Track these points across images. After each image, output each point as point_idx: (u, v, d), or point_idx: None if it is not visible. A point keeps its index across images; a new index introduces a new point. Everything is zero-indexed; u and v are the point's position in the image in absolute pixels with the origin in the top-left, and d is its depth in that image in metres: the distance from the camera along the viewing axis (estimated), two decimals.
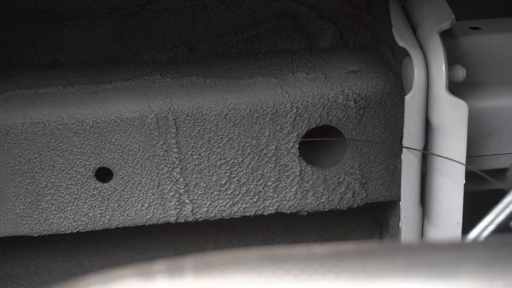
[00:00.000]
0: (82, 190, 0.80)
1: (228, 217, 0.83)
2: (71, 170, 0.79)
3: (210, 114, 0.78)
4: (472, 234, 0.68)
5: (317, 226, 0.95)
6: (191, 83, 0.80)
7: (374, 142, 0.80)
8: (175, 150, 0.79)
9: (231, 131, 0.79)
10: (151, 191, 0.81)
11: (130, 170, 0.79)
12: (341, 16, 0.86)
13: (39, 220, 0.81)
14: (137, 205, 0.81)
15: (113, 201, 0.81)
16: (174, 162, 0.79)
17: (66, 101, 0.78)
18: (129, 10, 0.85)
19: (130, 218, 0.82)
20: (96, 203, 0.81)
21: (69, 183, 0.80)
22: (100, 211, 0.81)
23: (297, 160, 0.80)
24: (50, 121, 0.77)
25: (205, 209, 0.82)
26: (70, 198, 0.80)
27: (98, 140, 0.78)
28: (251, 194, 0.82)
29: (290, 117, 0.78)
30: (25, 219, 0.81)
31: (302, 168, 0.81)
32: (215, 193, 0.81)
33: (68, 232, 0.82)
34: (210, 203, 0.82)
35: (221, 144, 0.79)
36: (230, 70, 0.82)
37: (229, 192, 0.81)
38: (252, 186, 0.81)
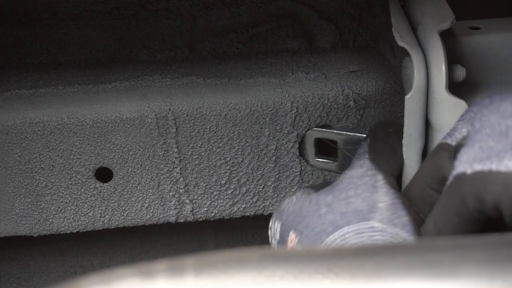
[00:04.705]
0: (82, 190, 0.80)
1: (228, 217, 0.83)
2: (71, 170, 0.79)
3: (210, 114, 0.78)
4: None
5: None
6: (191, 83, 0.80)
7: None
8: (175, 150, 0.79)
9: (231, 131, 0.79)
10: (151, 191, 0.81)
11: (130, 170, 0.79)
12: (341, 16, 0.86)
13: (39, 220, 0.81)
14: (137, 205, 0.81)
15: (113, 201, 0.81)
16: (174, 162, 0.79)
17: (66, 101, 0.78)
18: (129, 10, 0.85)
19: (130, 218, 0.82)
20: (96, 203, 0.81)
21: (69, 183, 0.80)
22: (100, 211, 0.81)
23: (297, 160, 0.80)
24: (50, 121, 0.77)
25: (205, 209, 0.82)
26: (70, 198, 0.80)
27: (98, 140, 0.78)
28: (251, 194, 0.82)
29: (290, 117, 0.78)
30: (25, 219, 0.81)
31: (302, 168, 0.81)
32: (215, 193, 0.81)
33: (68, 232, 0.82)
34: (210, 203, 0.82)
35: (221, 144, 0.79)
36: (230, 70, 0.82)
37: (229, 192, 0.81)
38: (252, 186, 0.81)
